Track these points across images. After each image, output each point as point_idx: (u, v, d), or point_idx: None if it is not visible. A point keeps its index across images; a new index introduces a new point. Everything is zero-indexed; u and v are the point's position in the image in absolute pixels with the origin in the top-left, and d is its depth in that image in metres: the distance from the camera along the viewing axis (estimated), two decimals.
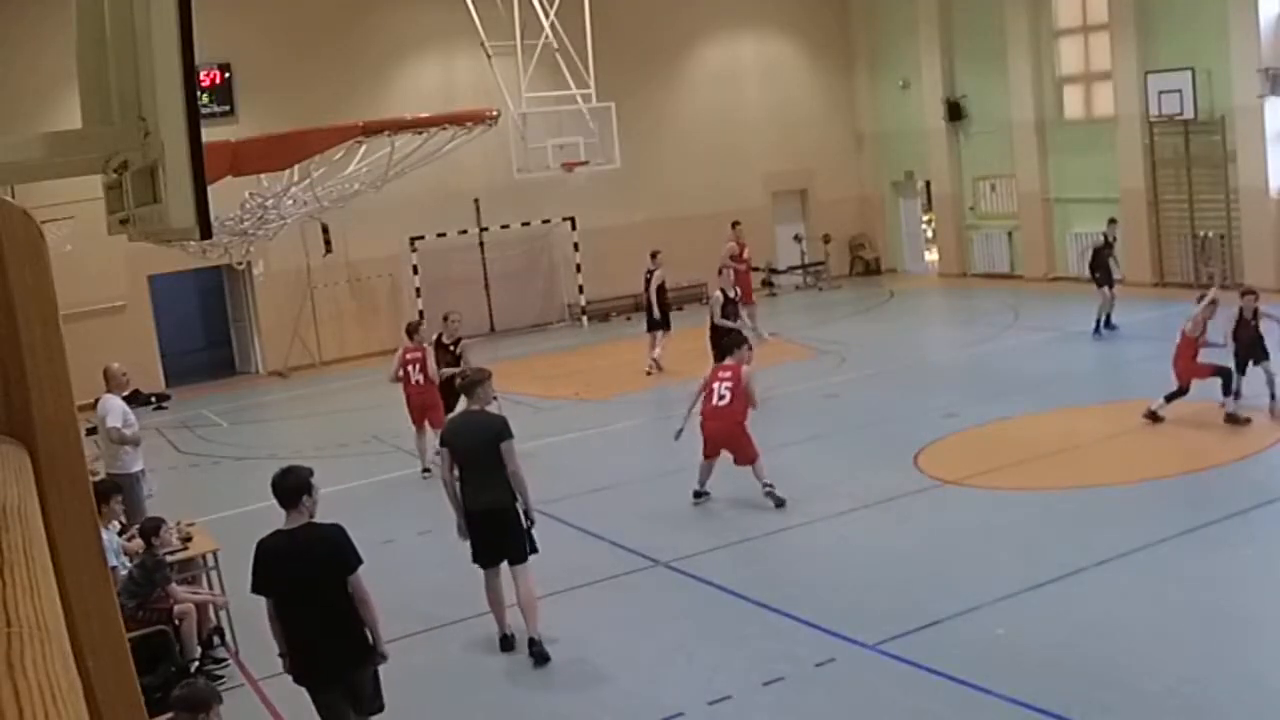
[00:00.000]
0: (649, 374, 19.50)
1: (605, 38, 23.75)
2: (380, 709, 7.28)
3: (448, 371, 14.60)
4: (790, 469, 13.89)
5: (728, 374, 12.09)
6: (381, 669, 7.25)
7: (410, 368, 14.67)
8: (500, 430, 9.00)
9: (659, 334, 19.90)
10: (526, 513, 9.07)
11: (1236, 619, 8.56)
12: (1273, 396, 13.71)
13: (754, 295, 22.08)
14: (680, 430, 12.22)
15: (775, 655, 8.65)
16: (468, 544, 9.25)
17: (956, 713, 7.65)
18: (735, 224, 22.43)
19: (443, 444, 9.30)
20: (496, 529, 9.01)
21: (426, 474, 14.18)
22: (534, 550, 9.18)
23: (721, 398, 11.93)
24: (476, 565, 9.25)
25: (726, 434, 11.99)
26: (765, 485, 11.93)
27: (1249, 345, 14.07)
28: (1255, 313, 14.37)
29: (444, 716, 8.62)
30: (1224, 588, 9.16)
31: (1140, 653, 8.09)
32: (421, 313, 24.79)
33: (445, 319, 15.35)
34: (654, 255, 20.38)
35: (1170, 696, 7.48)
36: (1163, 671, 7.80)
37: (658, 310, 19.88)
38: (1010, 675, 7.84)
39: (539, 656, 8.97)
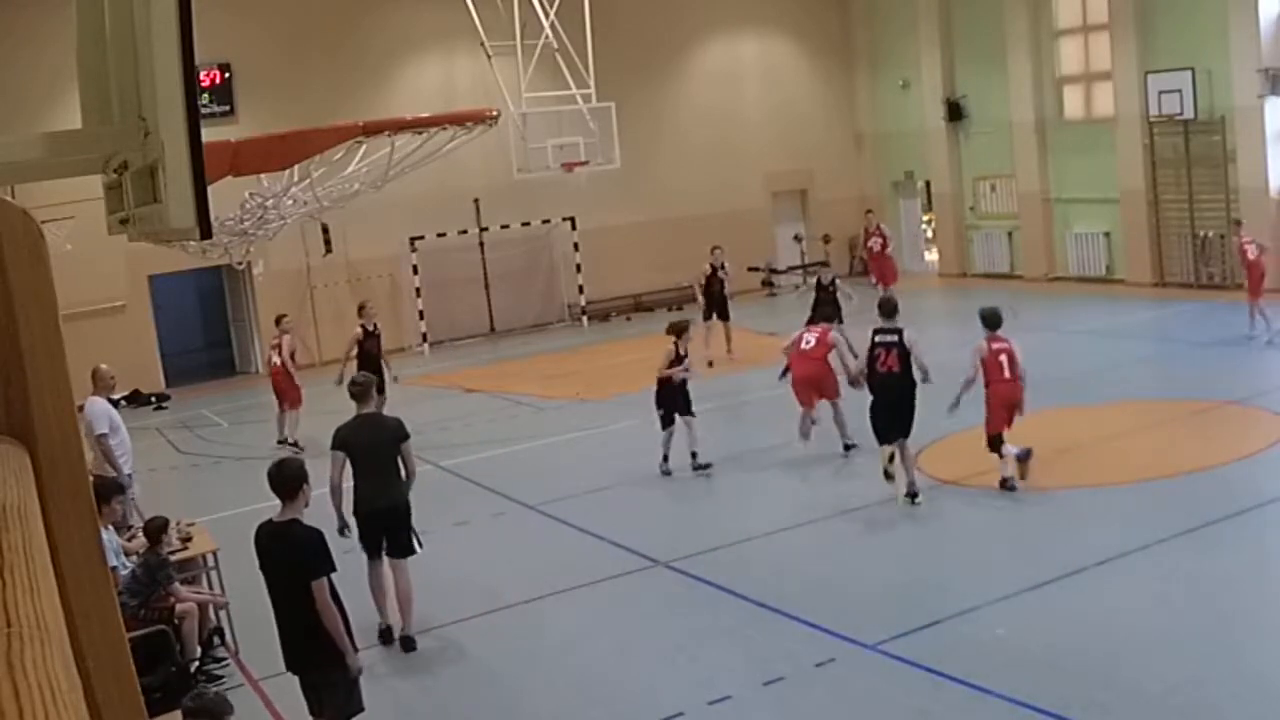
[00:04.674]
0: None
1: (605, 38, 23.73)
2: (349, 715, 7.24)
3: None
4: (790, 468, 13.89)
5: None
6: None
7: (271, 352, 17.19)
8: (398, 431, 9.43)
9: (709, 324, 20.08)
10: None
11: (1236, 619, 8.56)
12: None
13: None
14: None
15: (775, 655, 8.65)
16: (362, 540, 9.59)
17: (956, 713, 7.65)
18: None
19: (337, 447, 9.41)
20: (392, 526, 9.43)
21: (282, 444, 16.45)
22: (417, 548, 9.61)
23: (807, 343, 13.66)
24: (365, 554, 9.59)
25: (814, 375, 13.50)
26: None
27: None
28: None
29: (444, 716, 8.62)
30: (1224, 588, 9.16)
31: (1140, 653, 8.09)
32: (421, 312, 24.89)
33: (360, 309, 16.92)
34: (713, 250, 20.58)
35: (1170, 696, 7.48)
36: (1162, 671, 7.81)
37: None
38: (1010, 675, 7.84)
39: (409, 647, 9.41)
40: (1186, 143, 22.59)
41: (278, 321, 17.37)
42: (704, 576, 10.38)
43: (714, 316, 20.07)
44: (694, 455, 13.54)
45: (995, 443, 11.79)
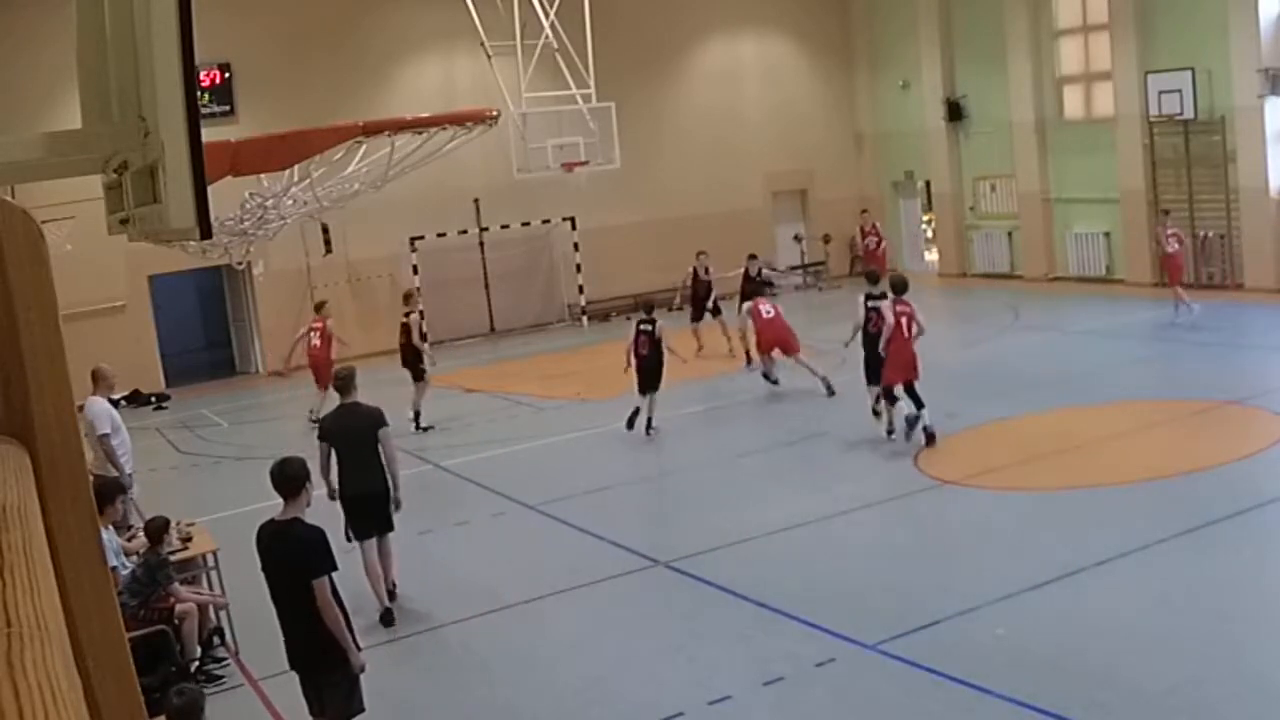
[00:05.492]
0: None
1: (605, 38, 23.72)
2: (349, 715, 7.22)
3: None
4: (790, 468, 13.90)
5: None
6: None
7: (311, 334, 18.14)
8: (378, 420, 9.83)
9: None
10: (396, 501, 9.96)
11: (1236, 619, 8.56)
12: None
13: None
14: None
15: (775, 655, 8.65)
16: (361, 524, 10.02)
17: (956, 713, 7.64)
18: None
19: (322, 437, 9.97)
20: (373, 509, 9.88)
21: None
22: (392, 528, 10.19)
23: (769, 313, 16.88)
24: (353, 541, 9.98)
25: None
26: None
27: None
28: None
29: (444, 716, 8.62)
30: (1223, 588, 9.16)
31: (1139, 653, 8.09)
32: (422, 311, 24.83)
33: (407, 298, 18.19)
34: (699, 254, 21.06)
35: (1170, 696, 7.48)
36: (1162, 671, 7.80)
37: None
38: (1010, 675, 7.84)
39: (391, 594, 10.03)
40: (1186, 143, 22.59)
41: (319, 308, 18.46)
42: (704, 576, 10.37)
43: (703, 318, 20.46)
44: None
45: (889, 394, 13.59)
